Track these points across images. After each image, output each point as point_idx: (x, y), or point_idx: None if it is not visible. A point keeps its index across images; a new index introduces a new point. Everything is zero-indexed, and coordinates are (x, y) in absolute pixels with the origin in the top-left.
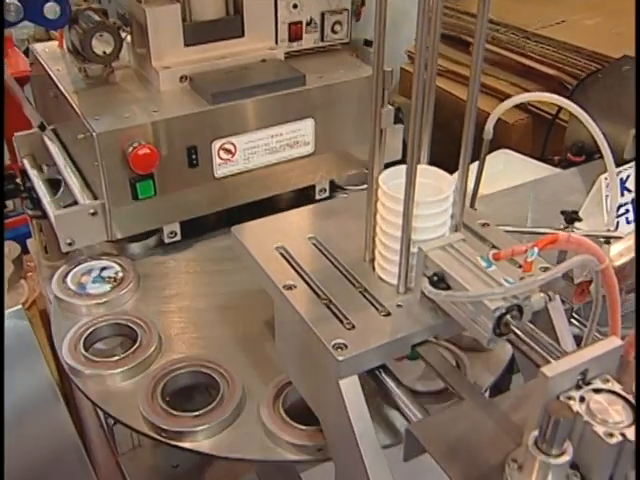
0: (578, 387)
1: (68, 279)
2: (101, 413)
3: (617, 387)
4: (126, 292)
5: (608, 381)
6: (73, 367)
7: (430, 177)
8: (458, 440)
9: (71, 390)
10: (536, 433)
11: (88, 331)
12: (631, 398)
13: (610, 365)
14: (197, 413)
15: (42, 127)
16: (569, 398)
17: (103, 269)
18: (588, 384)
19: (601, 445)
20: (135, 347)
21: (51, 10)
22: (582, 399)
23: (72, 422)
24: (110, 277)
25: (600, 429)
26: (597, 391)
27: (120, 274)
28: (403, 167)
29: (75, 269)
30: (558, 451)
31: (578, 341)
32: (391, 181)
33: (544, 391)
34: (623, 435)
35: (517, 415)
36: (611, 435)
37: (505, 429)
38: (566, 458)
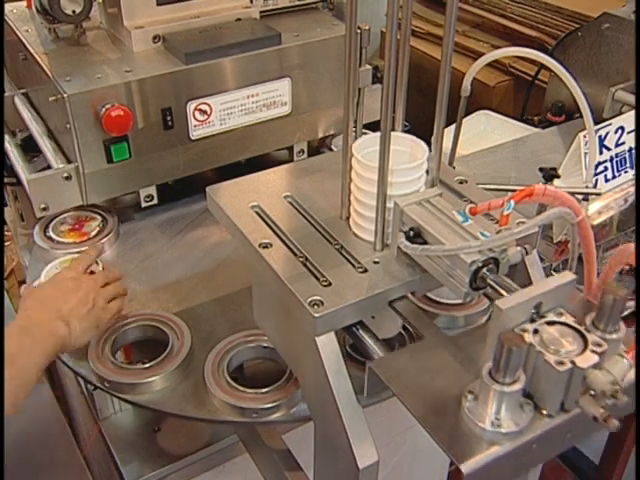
0: (532, 320)
1: (49, 228)
2: (81, 380)
3: (570, 319)
4: (105, 243)
5: (562, 314)
6: None
7: (405, 145)
8: (418, 376)
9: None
10: (491, 364)
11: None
12: (582, 329)
13: (563, 299)
14: (144, 366)
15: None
16: (523, 330)
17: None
18: (542, 317)
19: (552, 373)
20: None
21: None
22: (536, 331)
23: (53, 392)
24: (89, 228)
25: (551, 358)
26: (550, 323)
27: (100, 226)
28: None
29: (57, 219)
30: (511, 380)
31: None
32: (364, 150)
33: (498, 323)
34: (573, 362)
35: (476, 351)
36: (562, 363)
37: (464, 364)
38: (519, 386)
